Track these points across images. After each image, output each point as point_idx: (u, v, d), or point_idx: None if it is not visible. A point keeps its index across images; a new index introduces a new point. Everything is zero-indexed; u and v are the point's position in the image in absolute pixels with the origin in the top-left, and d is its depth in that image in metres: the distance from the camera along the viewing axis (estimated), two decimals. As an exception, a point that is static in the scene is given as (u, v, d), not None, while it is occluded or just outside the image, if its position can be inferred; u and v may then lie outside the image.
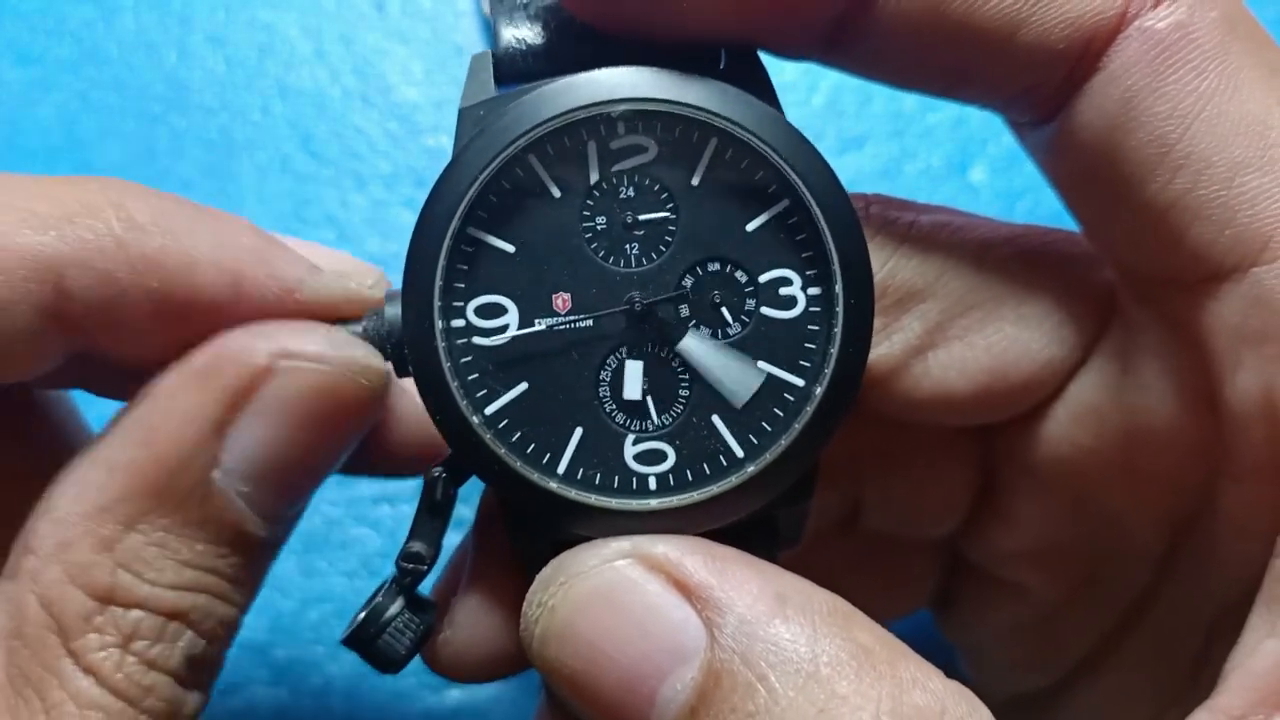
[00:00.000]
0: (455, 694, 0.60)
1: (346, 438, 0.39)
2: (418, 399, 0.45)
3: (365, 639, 0.39)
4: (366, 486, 0.62)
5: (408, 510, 0.63)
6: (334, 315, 0.39)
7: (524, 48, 0.38)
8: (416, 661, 0.43)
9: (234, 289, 0.37)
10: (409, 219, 0.68)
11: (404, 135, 0.68)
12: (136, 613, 0.36)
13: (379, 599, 0.39)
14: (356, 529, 0.62)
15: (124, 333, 0.37)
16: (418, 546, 0.39)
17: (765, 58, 0.39)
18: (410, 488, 0.62)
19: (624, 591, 0.34)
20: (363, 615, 0.39)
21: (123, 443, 0.37)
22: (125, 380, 0.40)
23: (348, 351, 0.38)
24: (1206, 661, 0.44)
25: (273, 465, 0.37)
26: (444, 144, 0.68)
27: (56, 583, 0.36)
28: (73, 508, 0.36)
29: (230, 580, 0.38)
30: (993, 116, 0.41)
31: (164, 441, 0.36)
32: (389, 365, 0.39)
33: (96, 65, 0.68)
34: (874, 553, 0.49)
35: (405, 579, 0.39)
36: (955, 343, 0.40)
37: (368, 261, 0.65)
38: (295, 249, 0.40)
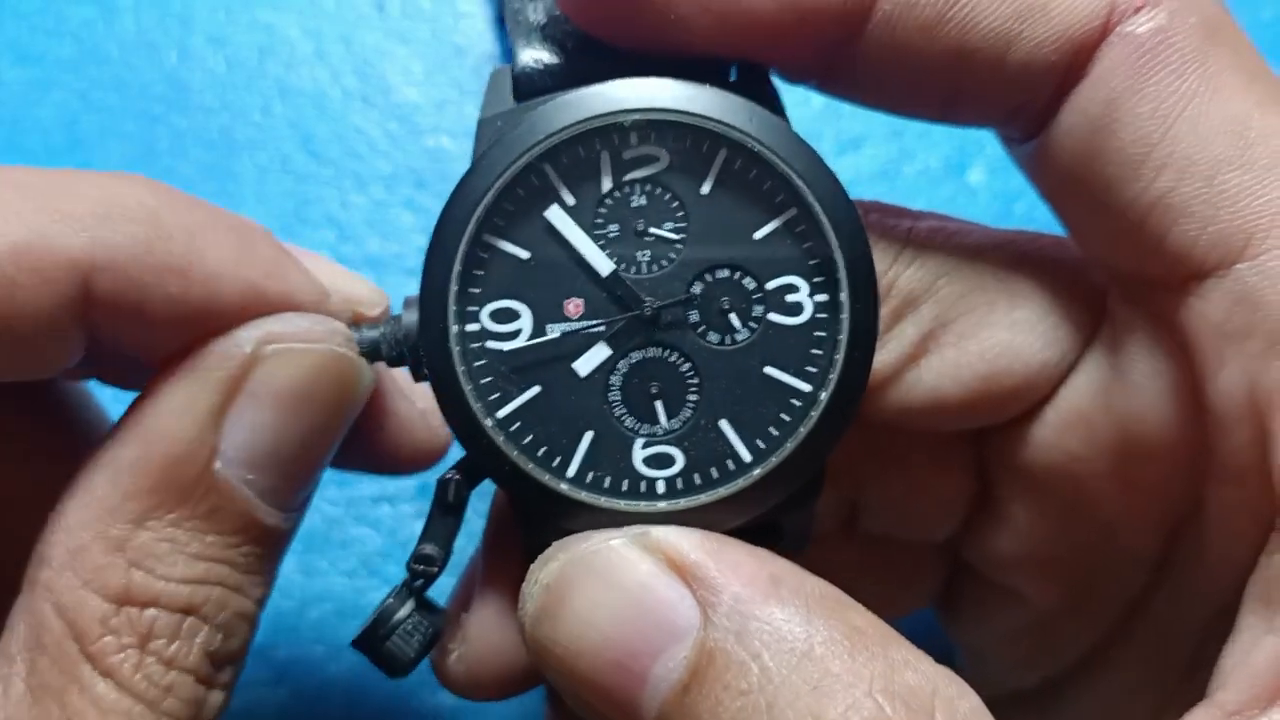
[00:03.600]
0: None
1: (341, 416, 0.40)
2: (419, 400, 0.46)
3: (374, 641, 0.39)
4: (367, 486, 0.62)
5: (408, 510, 0.63)
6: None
7: (541, 67, 0.39)
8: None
9: (248, 302, 0.38)
10: (409, 219, 0.69)
11: (404, 135, 0.68)
12: (152, 611, 0.37)
13: (390, 601, 0.40)
14: (356, 529, 0.62)
15: (140, 332, 0.38)
16: (429, 549, 0.39)
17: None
18: (410, 487, 0.63)
19: (619, 569, 0.35)
20: (373, 618, 0.39)
21: (123, 444, 0.38)
22: (135, 371, 0.41)
23: (330, 327, 0.39)
24: (1202, 663, 0.44)
25: (273, 449, 0.38)
26: (444, 144, 0.68)
27: (71, 589, 0.36)
28: (81, 514, 0.37)
29: (243, 570, 0.38)
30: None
31: (163, 437, 0.37)
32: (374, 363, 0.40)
33: (97, 65, 0.68)
34: (874, 554, 0.50)
35: (416, 581, 0.40)
36: (949, 348, 0.41)
37: (368, 261, 0.65)
38: (308, 265, 0.41)
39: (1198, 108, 0.35)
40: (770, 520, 0.38)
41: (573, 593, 0.35)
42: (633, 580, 0.35)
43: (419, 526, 0.63)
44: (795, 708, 0.32)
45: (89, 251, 0.36)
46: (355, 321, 0.41)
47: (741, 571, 0.34)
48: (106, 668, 0.36)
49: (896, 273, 0.40)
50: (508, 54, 0.39)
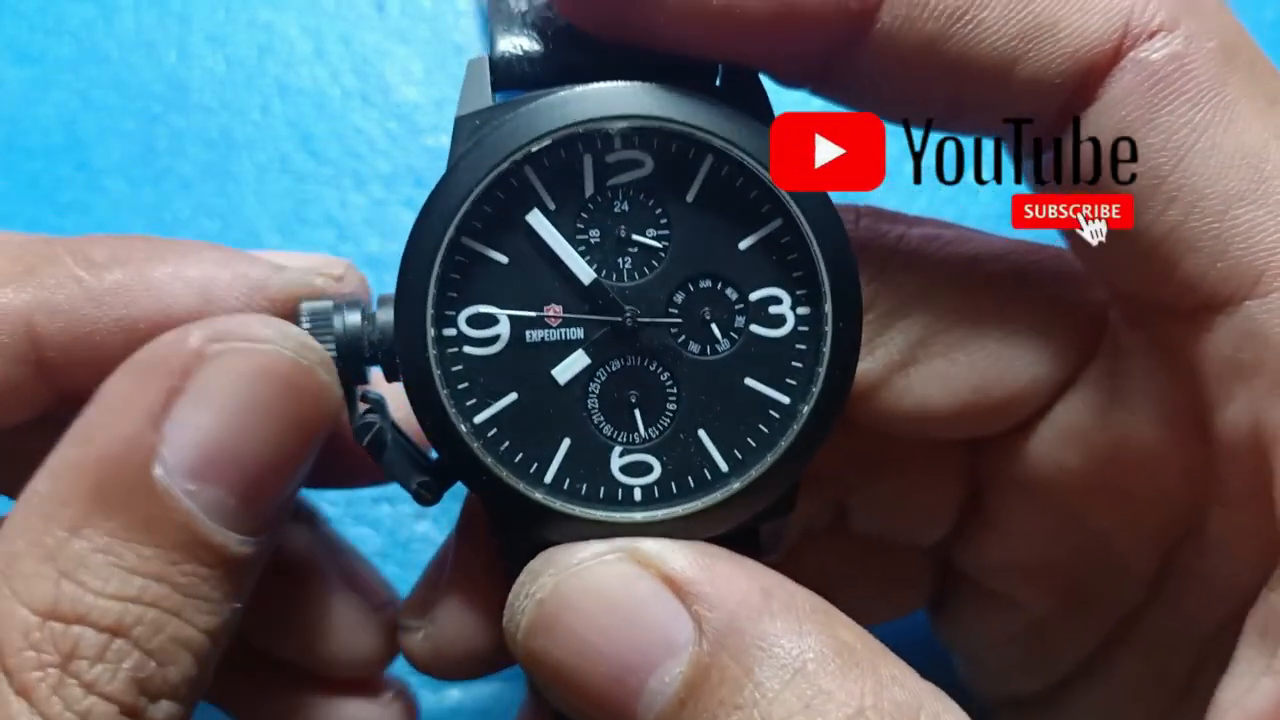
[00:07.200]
0: (455, 693, 0.60)
1: (300, 429, 0.37)
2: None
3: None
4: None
5: (408, 510, 0.63)
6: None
7: (520, 54, 0.38)
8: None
9: (202, 298, 0.37)
10: (409, 219, 0.68)
11: (404, 135, 0.68)
12: (78, 629, 0.34)
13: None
14: (356, 529, 0.62)
15: (103, 367, 0.36)
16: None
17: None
18: (409, 487, 0.63)
19: (614, 585, 0.35)
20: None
21: (64, 445, 0.35)
22: None
23: (282, 329, 0.36)
24: (1197, 680, 0.44)
25: (217, 456, 0.35)
26: (444, 143, 0.67)
27: (2, 599, 0.34)
28: (19, 517, 0.35)
29: (185, 592, 0.35)
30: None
31: (100, 438, 0.35)
32: (329, 354, 0.37)
33: (96, 64, 0.68)
34: (866, 555, 0.50)
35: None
36: (938, 359, 0.40)
37: (368, 260, 0.65)
38: (260, 255, 0.40)
39: (1211, 139, 0.34)
40: (747, 526, 0.38)
41: (566, 608, 0.35)
42: (628, 596, 0.35)
43: (419, 527, 0.63)
44: None
45: (22, 300, 0.36)
46: (326, 295, 0.39)
47: (734, 586, 0.34)
48: (22, 685, 0.33)
49: (885, 280, 0.40)
50: (487, 39, 0.39)
